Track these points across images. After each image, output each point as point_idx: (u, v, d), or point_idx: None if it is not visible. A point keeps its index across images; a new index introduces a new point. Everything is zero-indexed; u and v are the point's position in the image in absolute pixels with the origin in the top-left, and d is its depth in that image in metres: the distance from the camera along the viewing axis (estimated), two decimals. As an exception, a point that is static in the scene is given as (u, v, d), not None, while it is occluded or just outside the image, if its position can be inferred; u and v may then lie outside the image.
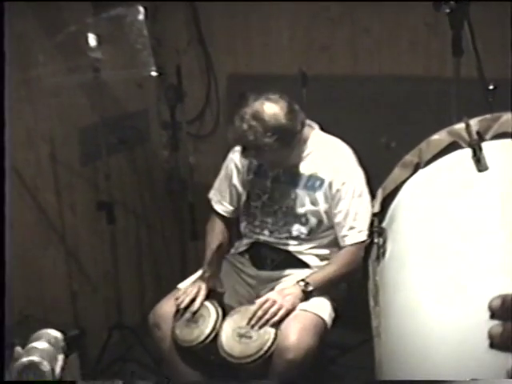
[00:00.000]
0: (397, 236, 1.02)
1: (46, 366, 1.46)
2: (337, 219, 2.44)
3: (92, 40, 2.64)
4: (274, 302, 2.30)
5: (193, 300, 2.38)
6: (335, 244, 2.49)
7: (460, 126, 1.01)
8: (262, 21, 3.23)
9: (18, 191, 2.73)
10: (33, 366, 1.45)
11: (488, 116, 1.00)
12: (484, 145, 0.96)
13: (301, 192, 2.47)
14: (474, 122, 1.00)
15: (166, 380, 2.77)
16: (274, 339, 2.23)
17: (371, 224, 1.08)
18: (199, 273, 2.54)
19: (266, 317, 2.27)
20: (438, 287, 0.88)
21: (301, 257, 2.52)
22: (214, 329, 2.31)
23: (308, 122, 2.46)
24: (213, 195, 2.69)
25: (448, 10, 2.03)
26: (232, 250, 2.68)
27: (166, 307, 2.43)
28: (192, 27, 3.40)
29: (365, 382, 2.34)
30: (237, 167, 2.59)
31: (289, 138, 2.35)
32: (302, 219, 2.49)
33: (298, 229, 2.50)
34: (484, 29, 2.16)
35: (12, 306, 2.44)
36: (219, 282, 2.47)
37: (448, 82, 2.18)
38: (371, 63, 3.03)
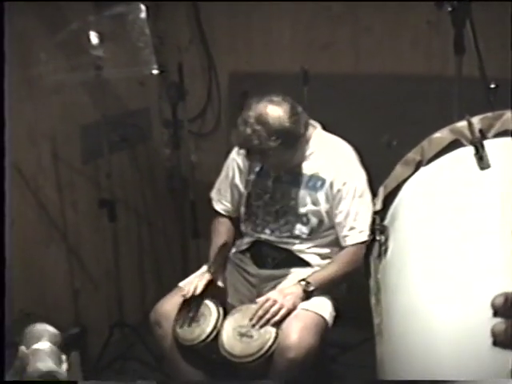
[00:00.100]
0: (398, 234, 1.02)
1: (62, 375, 1.45)
2: (338, 219, 2.43)
3: (94, 38, 2.64)
4: (275, 302, 2.30)
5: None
6: (336, 243, 2.49)
7: (462, 124, 1.01)
8: (263, 19, 3.23)
9: (20, 189, 2.73)
10: (50, 374, 1.44)
11: (490, 114, 1.00)
12: (486, 143, 0.96)
13: (302, 192, 2.47)
14: (476, 120, 1.00)
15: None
16: (275, 338, 2.23)
17: (373, 222, 1.08)
18: (202, 269, 2.55)
19: (267, 316, 2.27)
20: (440, 285, 0.88)
21: (302, 255, 2.52)
22: (215, 327, 2.31)
23: (310, 121, 2.46)
24: (214, 195, 2.69)
25: (450, 9, 2.03)
26: (233, 249, 2.68)
27: (168, 305, 2.43)
28: (194, 25, 3.39)
29: (366, 381, 2.34)
30: (239, 167, 2.59)
31: (293, 141, 2.35)
32: (303, 219, 2.49)
33: (299, 228, 2.49)
34: (484, 28, 2.16)
35: (13, 304, 2.44)
36: (222, 277, 2.47)
37: (449, 81, 2.18)
38: (373, 62, 3.03)
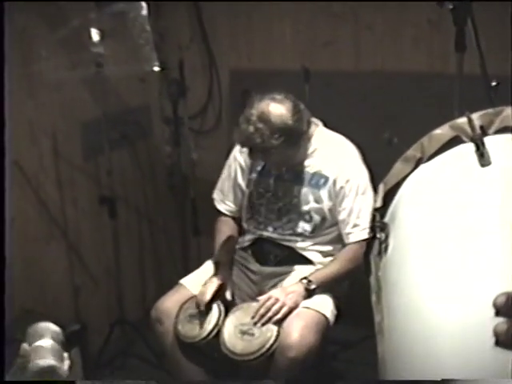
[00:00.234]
0: (398, 231, 1.02)
1: (64, 372, 1.45)
2: (341, 216, 2.43)
3: (95, 35, 2.64)
4: (277, 300, 2.30)
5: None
6: (338, 240, 2.49)
7: (462, 121, 1.00)
8: (264, 16, 3.23)
9: (20, 186, 2.73)
10: (50, 369, 1.44)
11: (490, 110, 0.99)
12: (486, 139, 0.95)
13: (305, 190, 2.47)
14: (476, 117, 0.99)
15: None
16: (277, 337, 2.23)
17: (373, 219, 1.07)
18: (204, 265, 2.55)
19: (269, 314, 2.28)
20: (441, 284, 0.88)
21: (304, 253, 2.52)
22: (216, 325, 2.31)
23: (312, 119, 2.46)
24: (216, 195, 2.68)
25: (451, 7, 2.03)
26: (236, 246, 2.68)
27: (169, 303, 2.43)
28: (195, 23, 3.39)
29: (366, 379, 2.34)
30: (241, 166, 2.59)
31: (295, 139, 2.34)
32: (305, 217, 2.48)
33: (301, 226, 2.49)
34: (484, 26, 2.15)
35: (13, 301, 2.44)
36: (229, 272, 2.47)
37: (451, 79, 2.17)
38: (374, 60, 3.03)
